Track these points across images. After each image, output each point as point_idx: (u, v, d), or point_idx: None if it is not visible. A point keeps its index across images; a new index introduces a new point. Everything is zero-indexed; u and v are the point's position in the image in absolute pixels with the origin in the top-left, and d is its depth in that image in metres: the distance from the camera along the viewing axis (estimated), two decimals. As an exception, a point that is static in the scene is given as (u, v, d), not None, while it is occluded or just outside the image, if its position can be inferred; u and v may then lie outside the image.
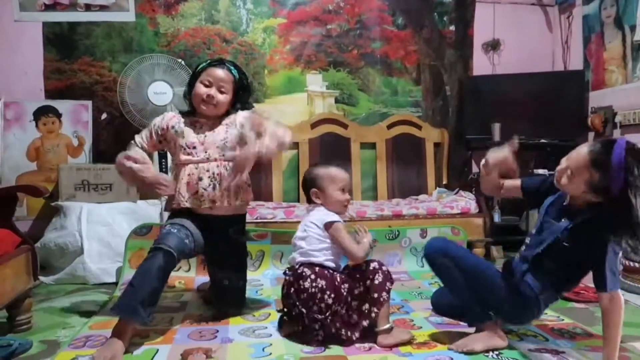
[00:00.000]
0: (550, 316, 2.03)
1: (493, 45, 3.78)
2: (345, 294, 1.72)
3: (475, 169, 3.75)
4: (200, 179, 1.92)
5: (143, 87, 3.07)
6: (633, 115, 3.02)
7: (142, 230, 2.64)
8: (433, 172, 3.68)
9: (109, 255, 2.71)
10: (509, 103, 3.52)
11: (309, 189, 1.87)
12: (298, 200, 3.45)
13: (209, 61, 2.04)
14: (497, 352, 1.63)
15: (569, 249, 1.52)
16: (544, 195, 1.69)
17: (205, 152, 1.95)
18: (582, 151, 1.47)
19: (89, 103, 3.33)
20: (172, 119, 2.03)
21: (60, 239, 2.71)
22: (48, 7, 3.31)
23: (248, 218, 2.79)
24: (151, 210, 2.98)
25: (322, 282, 1.70)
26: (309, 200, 1.90)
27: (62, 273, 2.68)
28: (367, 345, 1.71)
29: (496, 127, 3.39)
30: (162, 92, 3.07)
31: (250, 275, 2.66)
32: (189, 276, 2.65)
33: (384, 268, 1.77)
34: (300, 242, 1.83)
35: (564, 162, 1.51)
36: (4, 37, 3.27)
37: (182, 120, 2.03)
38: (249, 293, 2.35)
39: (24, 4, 3.28)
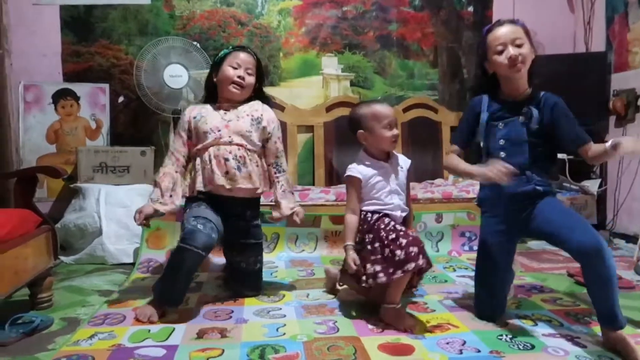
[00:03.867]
0: (565, 301, 2.02)
1: (513, 27, 3.69)
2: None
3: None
4: (226, 159, 1.97)
5: (159, 70, 3.08)
6: (656, 98, 2.95)
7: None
8: (449, 156, 3.64)
9: (126, 237, 2.75)
10: (528, 86, 3.45)
11: (355, 131, 1.88)
12: (313, 184, 3.45)
13: (232, 47, 2.11)
14: (510, 336, 1.63)
15: (539, 129, 1.68)
16: (473, 130, 1.81)
17: (229, 136, 2.00)
18: (512, 32, 1.70)
19: (106, 86, 3.36)
20: (192, 110, 2.10)
21: (79, 220, 2.76)
22: (65, -10, 3.33)
23: (263, 201, 2.82)
24: (168, 193, 3.02)
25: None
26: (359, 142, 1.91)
27: (81, 253, 2.74)
28: (379, 327, 1.72)
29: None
30: (177, 75, 3.09)
31: (265, 257, 2.67)
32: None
33: (420, 259, 1.66)
34: None
35: (514, 52, 1.67)
36: (22, 21, 3.30)
37: (203, 107, 2.10)
38: (265, 274, 2.38)
39: (42, -13, 3.31)
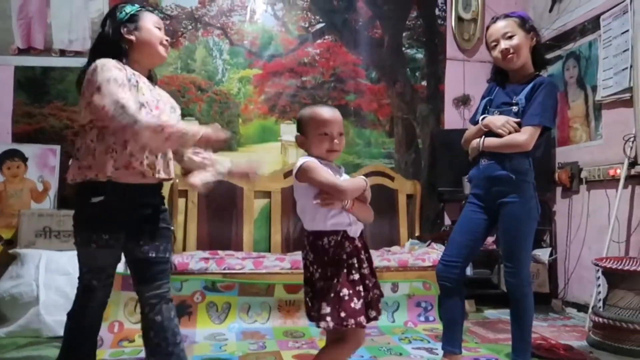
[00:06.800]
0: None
1: (463, 101, 3.90)
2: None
3: (447, 221, 3.76)
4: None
5: (114, 132, 3.03)
6: (597, 171, 3.09)
7: (103, 280, 2.52)
8: (405, 224, 3.68)
9: (66, 307, 2.52)
10: (479, 157, 3.58)
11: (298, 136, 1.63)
12: (269, 250, 3.38)
13: (139, 6, 1.66)
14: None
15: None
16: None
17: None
18: (503, 27, 1.86)
19: (58, 148, 3.27)
20: (125, 68, 1.56)
21: (14, 288, 2.57)
22: (22, 52, 3.30)
23: (215, 269, 2.73)
24: (115, 259, 2.87)
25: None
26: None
27: (15, 325, 2.53)
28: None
29: (467, 181, 3.42)
30: (133, 138, 3.04)
31: (215, 328, 2.58)
32: (151, 329, 2.52)
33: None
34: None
35: (504, 45, 1.83)
36: (-26, 80, 3.23)
37: (133, 71, 1.59)
38: (213, 348, 2.25)
39: (-3, 47, 3.28)
